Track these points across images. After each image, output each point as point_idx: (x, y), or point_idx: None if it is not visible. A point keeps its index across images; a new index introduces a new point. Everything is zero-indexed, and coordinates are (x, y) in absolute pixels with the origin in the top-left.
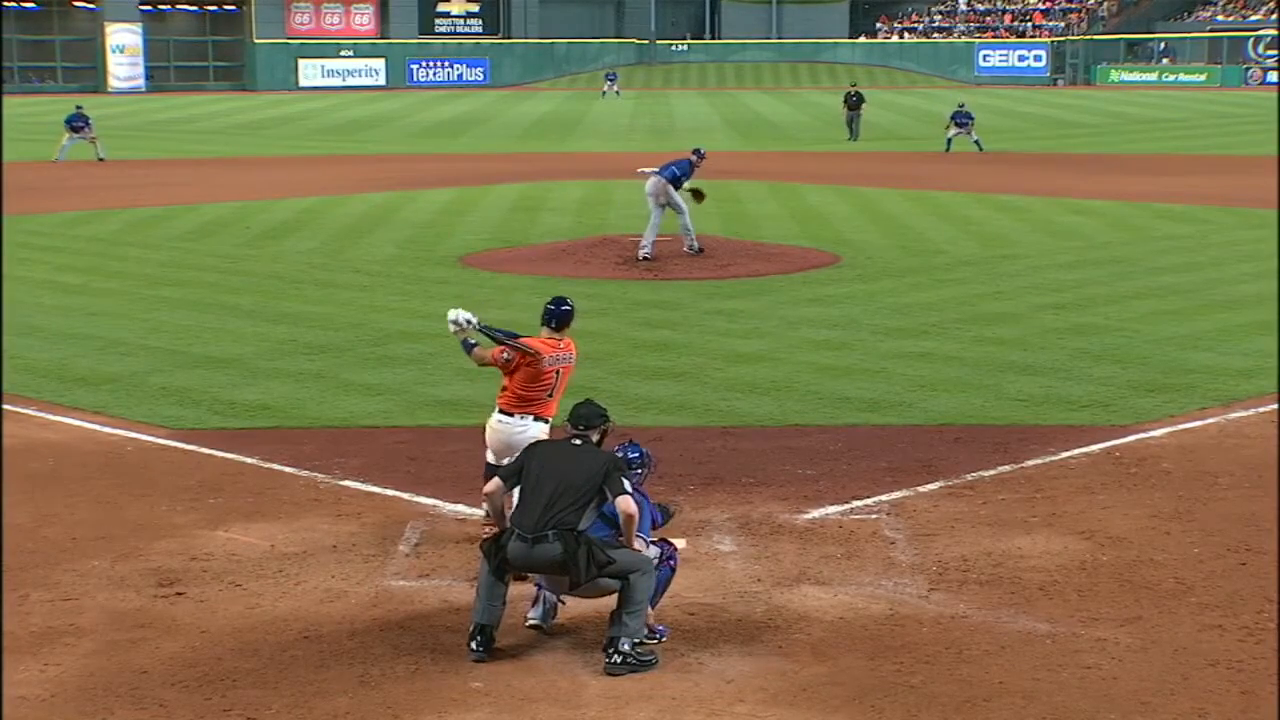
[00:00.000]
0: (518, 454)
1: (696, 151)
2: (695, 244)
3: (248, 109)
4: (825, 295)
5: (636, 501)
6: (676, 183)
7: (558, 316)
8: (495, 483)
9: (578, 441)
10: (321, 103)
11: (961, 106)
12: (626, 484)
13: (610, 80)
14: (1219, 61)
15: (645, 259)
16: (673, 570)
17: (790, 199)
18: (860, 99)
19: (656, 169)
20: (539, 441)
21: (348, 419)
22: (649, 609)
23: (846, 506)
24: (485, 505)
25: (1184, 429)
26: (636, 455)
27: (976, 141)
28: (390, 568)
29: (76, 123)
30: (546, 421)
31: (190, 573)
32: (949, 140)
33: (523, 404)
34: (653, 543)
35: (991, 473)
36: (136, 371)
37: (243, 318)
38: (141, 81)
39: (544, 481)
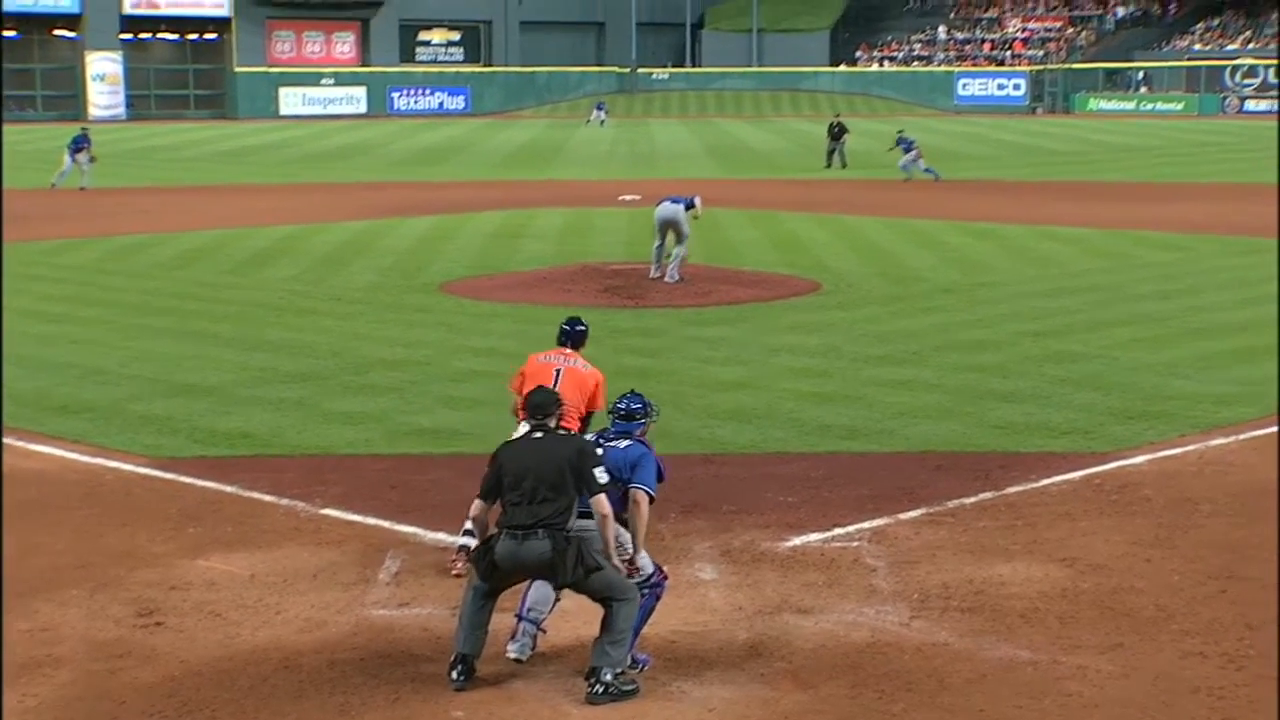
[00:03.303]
0: (488, 466)
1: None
2: (679, 275)
3: (229, 137)
4: (806, 322)
5: (639, 456)
6: (691, 209)
7: (572, 336)
8: (477, 504)
9: (539, 434)
10: (302, 130)
11: (901, 133)
12: (600, 475)
13: (599, 109)
14: (1196, 90)
15: (677, 279)
16: (658, 599)
17: (771, 226)
18: (843, 129)
19: (658, 201)
20: (503, 444)
21: (328, 447)
22: (632, 638)
23: (828, 534)
24: (462, 538)
25: (1164, 456)
26: (640, 405)
27: (929, 170)
28: (370, 596)
29: (81, 143)
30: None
31: (169, 602)
32: (910, 168)
33: None
34: (653, 566)
35: (972, 500)
36: (117, 400)
37: (223, 346)
38: (122, 109)
39: (521, 480)
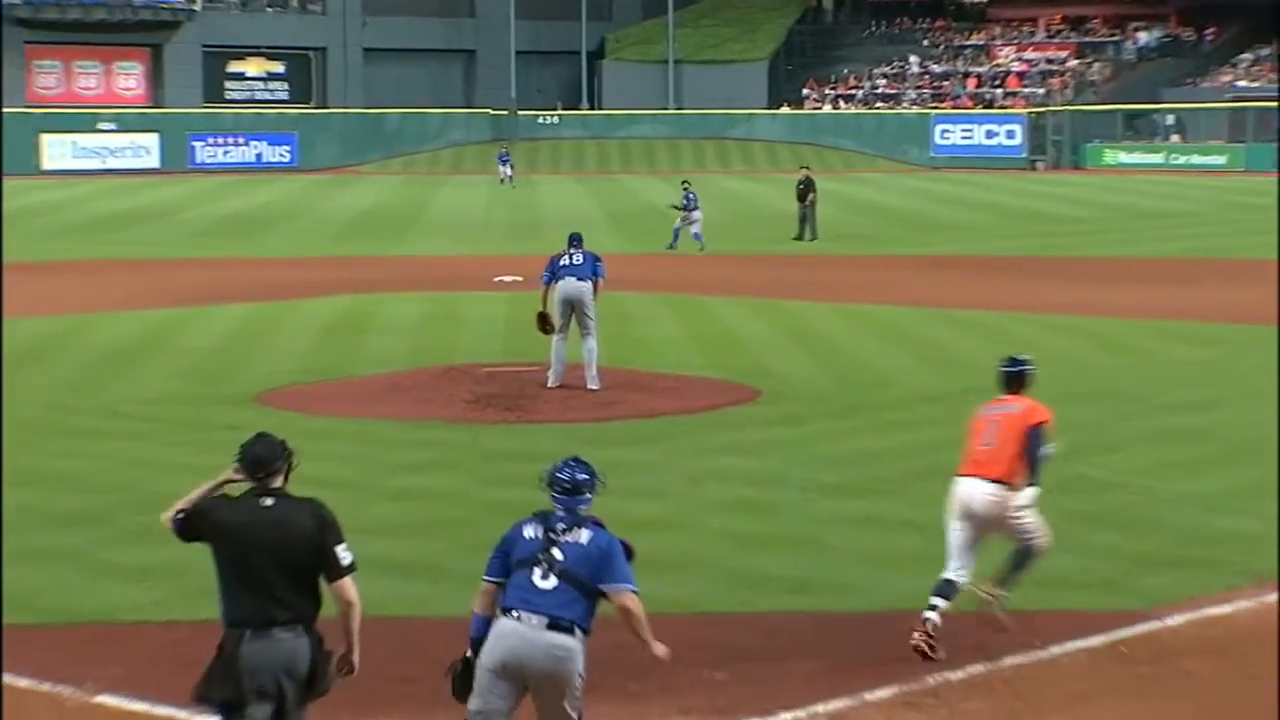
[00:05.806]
0: (186, 520)
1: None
2: (597, 379)
3: None
4: (741, 442)
5: (605, 547)
6: (595, 285)
7: (1015, 379)
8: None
9: (268, 501)
10: (73, 191)
11: (686, 186)
12: (345, 555)
13: (503, 162)
14: (1242, 139)
15: (599, 385)
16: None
17: (694, 316)
18: (810, 187)
19: (553, 273)
20: (220, 500)
21: (107, 612)
22: None
23: None
24: None
25: (1210, 615)
26: (586, 476)
27: (697, 235)
28: None
29: None
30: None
31: None
32: (676, 232)
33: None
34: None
35: (960, 674)
36: None
37: None
38: None
39: (252, 558)
